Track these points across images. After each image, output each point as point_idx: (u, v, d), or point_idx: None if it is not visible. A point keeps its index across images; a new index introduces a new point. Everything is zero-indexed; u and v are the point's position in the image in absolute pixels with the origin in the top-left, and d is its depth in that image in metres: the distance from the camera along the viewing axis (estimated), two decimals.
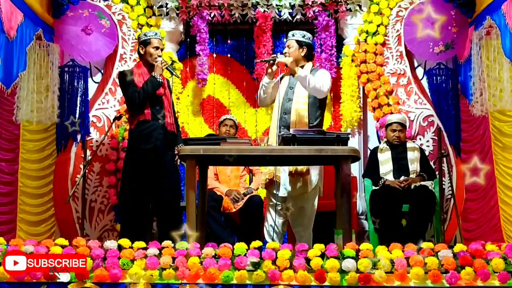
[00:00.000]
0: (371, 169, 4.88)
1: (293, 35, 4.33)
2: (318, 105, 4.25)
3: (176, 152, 4.26)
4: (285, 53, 4.31)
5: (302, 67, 4.25)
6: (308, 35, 4.36)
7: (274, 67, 4.25)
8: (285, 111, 4.26)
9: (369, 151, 5.22)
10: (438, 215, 4.63)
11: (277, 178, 4.23)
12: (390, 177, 4.73)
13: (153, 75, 4.22)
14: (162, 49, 4.40)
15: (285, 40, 5.64)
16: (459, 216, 4.67)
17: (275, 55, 4.34)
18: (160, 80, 4.24)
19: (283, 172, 4.29)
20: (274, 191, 4.26)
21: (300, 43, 4.28)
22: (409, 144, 4.88)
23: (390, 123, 4.90)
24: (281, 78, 4.37)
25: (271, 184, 4.29)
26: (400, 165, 4.76)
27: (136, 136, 4.29)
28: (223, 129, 4.99)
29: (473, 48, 4.73)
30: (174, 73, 4.48)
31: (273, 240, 4.25)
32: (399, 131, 4.83)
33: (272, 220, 4.37)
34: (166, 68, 4.29)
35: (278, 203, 4.25)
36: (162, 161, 4.21)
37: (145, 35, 4.41)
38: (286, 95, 4.29)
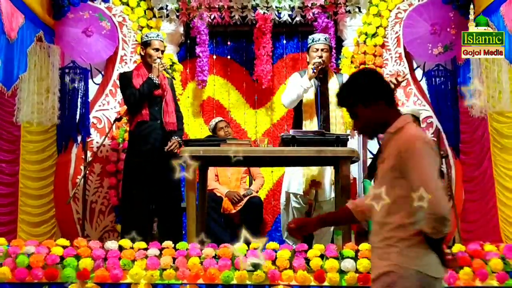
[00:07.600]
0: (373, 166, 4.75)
1: (325, 39, 4.51)
2: None
3: (168, 146, 4.24)
4: (321, 56, 4.41)
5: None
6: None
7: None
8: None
9: (368, 153, 5.22)
10: None
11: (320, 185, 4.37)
12: None
13: (150, 76, 4.24)
14: (163, 51, 4.42)
15: (284, 41, 5.69)
16: (458, 217, 4.67)
17: (319, 61, 4.37)
18: (157, 82, 4.25)
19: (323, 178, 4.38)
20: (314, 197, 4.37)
21: (330, 48, 4.57)
22: None
23: None
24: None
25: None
26: None
27: (135, 137, 4.34)
28: (222, 132, 4.99)
29: None
30: (171, 75, 4.50)
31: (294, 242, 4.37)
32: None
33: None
34: (164, 70, 4.31)
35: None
36: (162, 162, 4.23)
37: (146, 36, 4.43)
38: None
